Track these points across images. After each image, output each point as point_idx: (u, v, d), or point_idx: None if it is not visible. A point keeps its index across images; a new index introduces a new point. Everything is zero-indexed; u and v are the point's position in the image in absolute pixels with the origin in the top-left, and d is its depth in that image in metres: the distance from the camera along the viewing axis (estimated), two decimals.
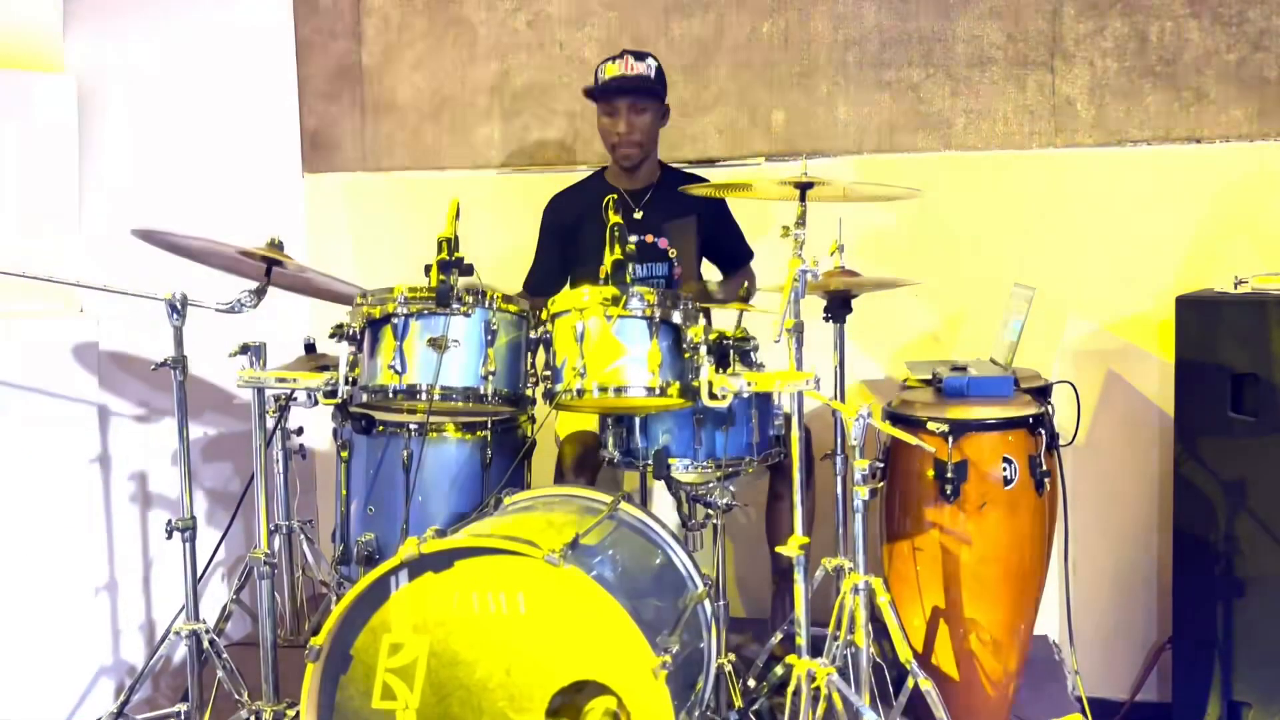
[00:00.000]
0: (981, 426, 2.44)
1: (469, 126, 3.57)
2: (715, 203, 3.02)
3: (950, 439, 2.40)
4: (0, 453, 2.62)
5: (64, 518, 2.77)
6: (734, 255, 3.14)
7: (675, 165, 3.18)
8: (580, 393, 2.14)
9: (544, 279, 2.99)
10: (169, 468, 3.00)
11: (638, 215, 2.95)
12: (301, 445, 2.82)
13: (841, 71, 3.28)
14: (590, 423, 2.77)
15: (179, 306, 2.37)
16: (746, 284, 2.59)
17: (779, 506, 2.82)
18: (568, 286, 2.94)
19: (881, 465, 2.53)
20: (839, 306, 2.57)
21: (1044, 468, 2.48)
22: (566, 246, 3.00)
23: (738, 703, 2.29)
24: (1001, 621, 2.47)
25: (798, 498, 2.10)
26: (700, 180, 2.98)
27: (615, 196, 2.31)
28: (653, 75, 2.90)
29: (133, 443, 2.95)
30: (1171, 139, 3.10)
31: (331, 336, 2.29)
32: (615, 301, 2.12)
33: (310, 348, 2.84)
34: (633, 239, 2.21)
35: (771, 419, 2.43)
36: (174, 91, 3.18)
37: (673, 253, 2.96)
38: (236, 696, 2.44)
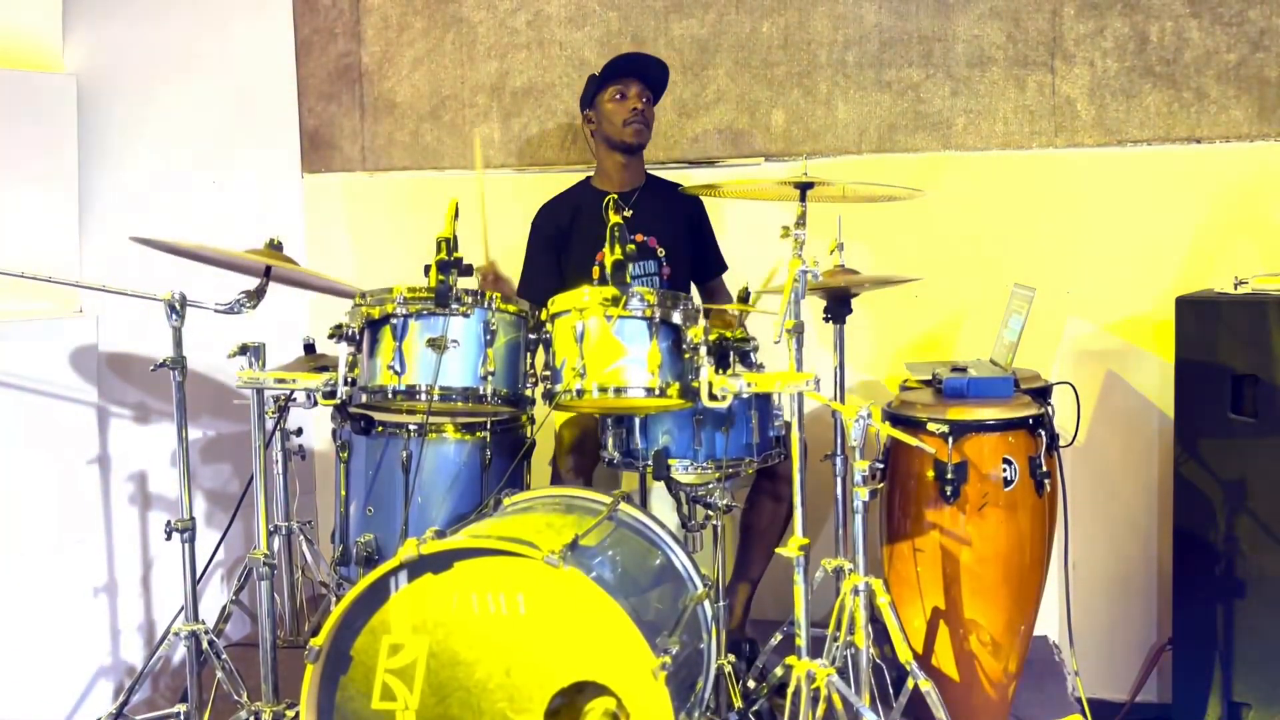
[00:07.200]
0: (981, 427, 2.44)
1: (469, 126, 3.57)
2: (698, 206, 3.11)
3: (950, 440, 2.40)
4: (0, 453, 2.62)
5: (64, 518, 2.77)
6: (709, 262, 3.16)
7: (668, 166, 3.24)
8: (580, 393, 2.14)
9: (540, 286, 2.97)
10: (168, 468, 3.00)
11: (627, 214, 2.96)
12: (301, 446, 2.82)
13: (841, 71, 3.28)
14: (586, 420, 2.77)
15: (178, 307, 2.38)
16: (746, 284, 2.60)
17: (760, 501, 2.84)
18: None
19: (881, 466, 2.53)
20: (839, 306, 2.58)
21: (1044, 468, 2.48)
22: (560, 253, 3.00)
23: (738, 703, 2.29)
24: (1001, 622, 2.47)
25: (798, 499, 2.10)
26: (676, 185, 2.99)
27: (615, 197, 2.31)
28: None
29: (132, 443, 2.95)
30: (1171, 139, 3.10)
31: (330, 337, 2.28)
32: (615, 302, 2.11)
33: (309, 348, 2.83)
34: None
35: (771, 420, 2.43)
36: (174, 91, 3.18)
37: (661, 252, 2.98)
38: (236, 697, 2.44)
